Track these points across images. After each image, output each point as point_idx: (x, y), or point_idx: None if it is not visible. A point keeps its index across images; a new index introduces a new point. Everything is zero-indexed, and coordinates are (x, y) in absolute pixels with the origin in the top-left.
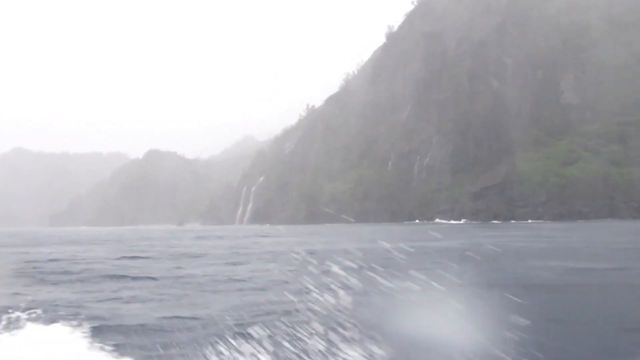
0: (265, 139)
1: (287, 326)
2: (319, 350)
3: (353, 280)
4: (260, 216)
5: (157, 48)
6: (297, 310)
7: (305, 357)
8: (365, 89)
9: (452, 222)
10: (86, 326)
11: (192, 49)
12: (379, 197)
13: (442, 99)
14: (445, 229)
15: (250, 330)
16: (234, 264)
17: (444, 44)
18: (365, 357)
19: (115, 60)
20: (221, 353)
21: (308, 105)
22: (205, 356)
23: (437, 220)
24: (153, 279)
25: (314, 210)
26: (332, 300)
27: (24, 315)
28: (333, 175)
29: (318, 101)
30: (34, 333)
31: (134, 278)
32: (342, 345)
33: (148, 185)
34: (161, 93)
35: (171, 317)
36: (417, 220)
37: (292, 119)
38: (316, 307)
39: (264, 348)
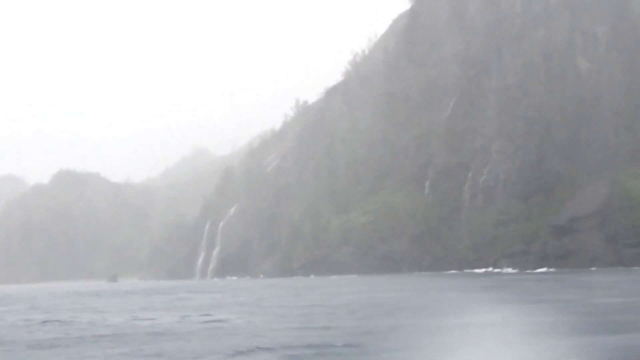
0: (227, 152)
1: None
2: None
3: None
4: (232, 265)
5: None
6: None
7: None
8: (384, 75)
9: (528, 271)
10: None
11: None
12: (413, 235)
13: (504, 87)
14: (526, 285)
15: None
16: None
17: (504, 7)
18: None
19: None
20: None
21: (298, 101)
22: None
23: (505, 269)
24: None
25: (317, 256)
26: None
27: None
28: (343, 203)
29: (307, 94)
30: None
31: None
32: None
33: (60, 223)
34: (68, 92)
35: None
36: (474, 270)
37: (268, 122)
38: None
39: None
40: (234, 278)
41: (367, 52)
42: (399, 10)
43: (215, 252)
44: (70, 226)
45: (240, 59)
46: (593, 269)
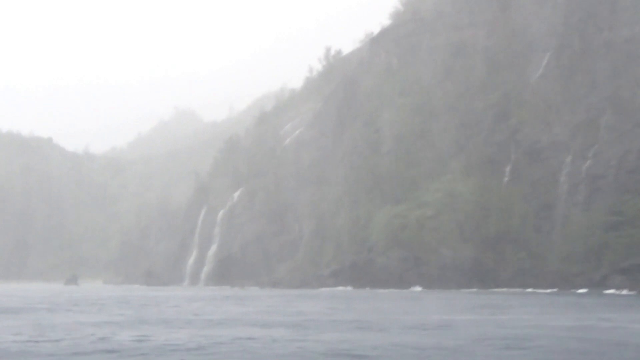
0: (222, 116)
1: None
2: None
3: None
4: (235, 269)
5: None
6: None
7: None
8: (452, 18)
9: None
10: None
11: None
12: (487, 238)
13: (619, 40)
14: None
15: None
16: None
17: None
18: None
19: None
20: None
21: (328, 50)
22: None
23: (618, 290)
24: None
25: (355, 262)
26: None
27: None
28: (391, 191)
29: (339, 41)
30: None
31: None
32: None
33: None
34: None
35: None
36: (578, 290)
37: (277, 78)
38: None
39: None
40: (252, 288)
41: None
42: None
43: (212, 251)
44: (11, 208)
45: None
46: None
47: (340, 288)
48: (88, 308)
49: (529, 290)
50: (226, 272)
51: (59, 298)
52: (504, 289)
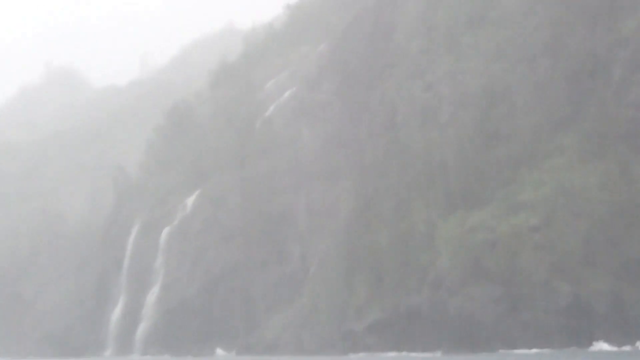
0: (133, 76)
1: None
2: None
3: None
4: (190, 327)
5: None
6: None
7: None
8: None
9: None
10: None
11: None
12: (634, 261)
13: None
14: None
15: None
16: None
17: None
18: None
19: None
20: None
21: None
22: None
23: None
24: None
25: (409, 306)
26: None
27: None
28: (460, 188)
29: None
30: None
31: None
32: None
33: None
34: None
35: None
36: None
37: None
38: None
39: None
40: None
41: None
42: None
43: (152, 296)
44: None
45: None
46: None
47: (392, 355)
48: None
49: None
50: (177, 332)
51: None
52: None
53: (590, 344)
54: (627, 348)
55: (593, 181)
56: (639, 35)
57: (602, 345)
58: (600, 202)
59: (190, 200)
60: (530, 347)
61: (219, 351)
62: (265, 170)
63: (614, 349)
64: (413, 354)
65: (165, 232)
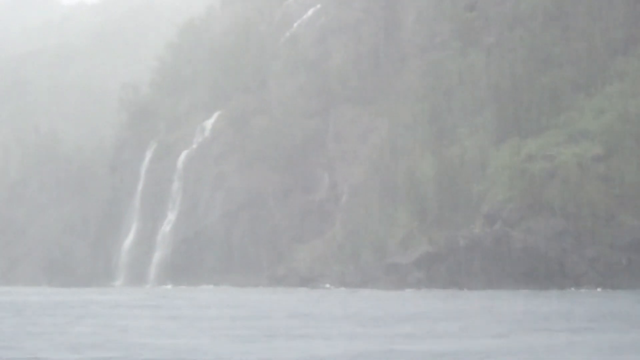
0: None
1: None
2: None
3: None
4: (208, 258)
5: None
6: None
7: None
8: None
9: None
10: None
11: None
12: None
13: None
14: None
15: None
16: None
17: None
18: None
19: None
20: None
21: None
22: None
23: None
24: None
25: (465, 239)
26: None
27: None
28: (514, 113)
29: None
30: None
31: None
32: None
33: None
34: None
35: None
36: None
37: None
38: None
39: None
40: (211, 286)
41: None
42: None
43: (168, 224)
44: None
45: None
46: None
47: (451, 291)
48: None
49: None
50: (195, 263)
51: None
52: None
53: None
54: None
55: None
56: None
57: None
58: None
59: (209, 123)
60: (597, 285)
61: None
62: (291, 91)
63: None
64: (462, 290)
65: (182, 156)
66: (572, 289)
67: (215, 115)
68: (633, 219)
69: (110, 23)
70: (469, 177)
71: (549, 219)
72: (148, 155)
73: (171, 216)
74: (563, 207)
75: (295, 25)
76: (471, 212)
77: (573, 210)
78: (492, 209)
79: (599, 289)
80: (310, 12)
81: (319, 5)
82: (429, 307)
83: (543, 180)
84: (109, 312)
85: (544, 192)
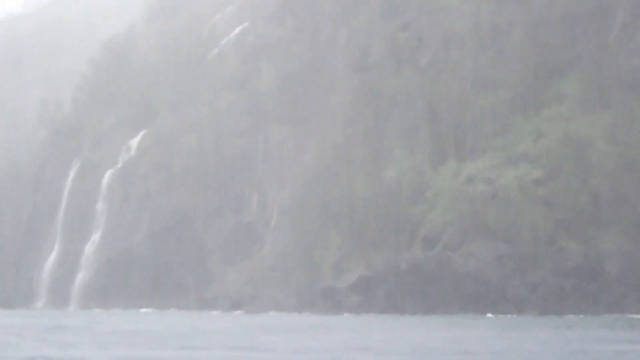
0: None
1: None
2: None
3: None
4: (133, 279)
5: None
6: None
7: None
8: None
9: None
10: None
11: None
12: None
13: None
14: None
15: None
16: None
17: None
18: None
19: None
20: None
21: None
22: None
23: None
24: None
25: (404, 262)
26: None
27: None
28: (453, 135)
29: None
30: None
31: None
32: None
33: None
34: None
35: None
36: None
37: None
38: None
39: None
40: (144, 310)
41: None
42: None
43: (92, 244)
44: None
45: None
46: None
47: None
48: None
49: None
50: (120, 284)
51: None
52: None
53: (602, 309)
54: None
55: (598, 132)
56: None
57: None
58: (608, 155)
59: (134, 141)
60: (540, 310)
61: None
62: (220, 110)
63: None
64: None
65: (107, 175)
66: (514, 315)
67: (141, 133)
68: (574, 243)
69: (20, 39)
70: (406, 200)
71: (490, 242)
72: (71, 173)
73: (95, 236)
74: (504, 231)
75: (222, 42)
76: (409, 235)
77: (514, 234)
78: (432, 232)
79: (540, 316)
80: (237, 29)
81: (246, 23)
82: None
83: (483, 203)
84: None
85: (484, 215)
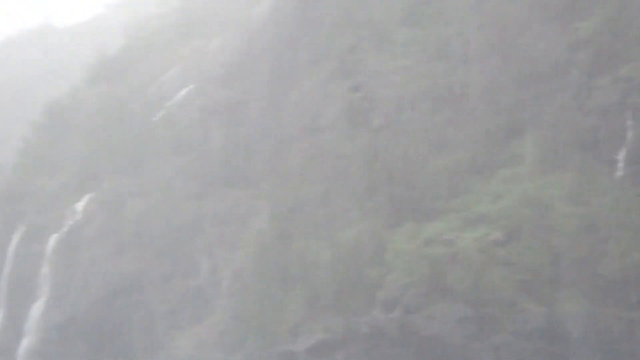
0: None
1: None
2: None
3: None
4: (79, 346)
5: None
6: None
7: None
8: None
9: None
10: None
11: None
12: (608, 281)
13: None
14: None
15: None
16: None
17: None
18: None
19: None
20: None
21: None
22: None
23: None
24: None
25: (364, 325)
26: None
27: None
28: (408, 197)
29: None
30: None
31: None
32: None
33: None
34: None
35: None
36: None
37: None
38: None
39: None
40: None
41: None
42: None
43: (36, 311)
44: None
45: None
46: None
47: None
48: None
49: None
50: (66, 351)
51: None
52: None
53: None
54: None
55: (558, 193)
56: (599, 38)
57: None
58: (569, 216)
59: (80, 206)
60: None
61: None
62: (169, 173)
63: None
64: None
65: (52, 239)
66: None
67: (86, 197)
68: (536, 305)
69: None
70: (364, 262)
71: (451, 304)
72: (15, 238)
73: (40, 302)
74: (465, 293)
75: (167, 104)
76: (368, 298)
77: (475, 296)
78: (391, 295)
79: None
80: (183, 91)
81: (192, 85)
82: None
83: (444, 265)
84: None
85: (444, 277)
